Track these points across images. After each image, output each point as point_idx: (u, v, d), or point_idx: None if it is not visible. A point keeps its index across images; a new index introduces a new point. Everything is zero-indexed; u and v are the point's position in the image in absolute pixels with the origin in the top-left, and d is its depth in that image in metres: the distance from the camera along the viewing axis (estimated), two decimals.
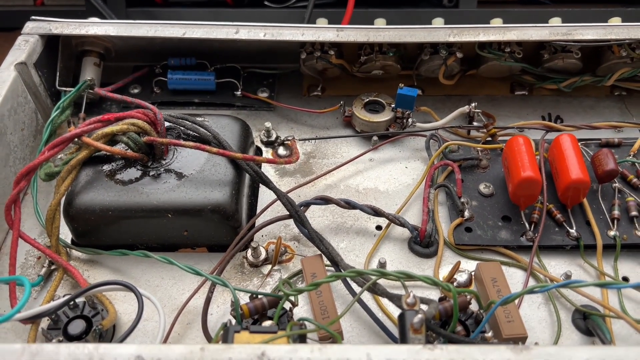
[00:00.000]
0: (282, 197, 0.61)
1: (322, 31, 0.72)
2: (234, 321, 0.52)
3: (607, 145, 0.70)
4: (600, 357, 0.41)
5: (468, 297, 0.53)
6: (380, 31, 0.72)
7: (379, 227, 0.65)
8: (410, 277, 0.51)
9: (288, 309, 0.54)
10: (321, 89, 0.81)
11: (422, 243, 0.62)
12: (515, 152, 0.63)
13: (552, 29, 0.71)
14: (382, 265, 0.61)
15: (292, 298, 0.54)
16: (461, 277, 0.59)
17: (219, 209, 0.59)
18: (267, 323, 0.51)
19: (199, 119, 0.65)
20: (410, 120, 0.73)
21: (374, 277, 0.53)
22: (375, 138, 0.73)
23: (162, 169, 0.61)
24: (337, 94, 0.81)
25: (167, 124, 0.64)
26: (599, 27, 0.71)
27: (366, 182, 0.70)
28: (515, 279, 0.60)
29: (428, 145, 0.72)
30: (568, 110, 0.78)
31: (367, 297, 0.59)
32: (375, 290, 0.54)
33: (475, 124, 0.74)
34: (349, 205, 0.63)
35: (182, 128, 0.64)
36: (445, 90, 0.81)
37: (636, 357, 0.41)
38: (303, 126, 0.77)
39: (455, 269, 0.58)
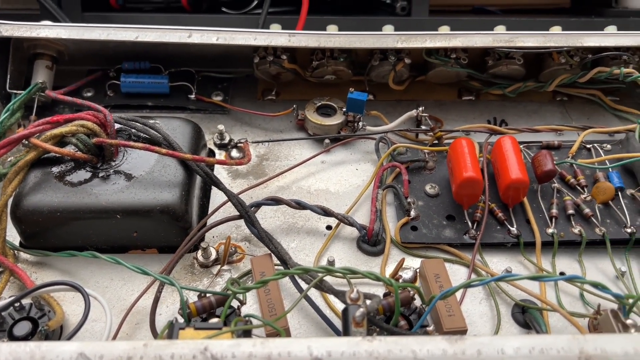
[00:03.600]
0: (232, 197, 0.62)
1: (274, 36, 0.74)
2: (181, 319, 0.52)
3: (548, 147, 0.74)
4: (530, 345, 0.43)
5: (411, 292, 0.55)
6: (331, 37, 0.74)
7: (329, 227, 0.67)
8: (354, 273, 0.53)
9: (236, 307, 0.55)
10: (275, 92, 0.83)
11: (370, 242, 0.64)
12: (458, 154, 0.65)
13: (496, 36, 0.75)
14: (331, 263, 0.62)
15: (240, 296, 0.55)
16: (406, 274, 0.61)
17: (168, 209, 0.59)
18: (214, 320, 0.52)
19: (150, 121, 0.65)
20: (360, 123, 0.75)
21: (320, 274, 0.54)
22: (327, 141, 0.75)
23: (112, 170, 0.61)
24: (292, 98, 0.82)
25: (117, 125, 0.64)
26: (539, 35, 0.75)
27: (318, 183, 0.72)
28: (458, 275, 0.62)
29: (377, 148, 0.74)
30: (512, 114, 0.82)
31: (316, 295, 0.60)
32: (322, 287, 0.56)
33: (423, 127, 0.77)
34: (300, 205, 0.64)
35: (133, 130, 0.65)
36: (396, 95, 0.83)
37: (563, 344, 0.44)
38: (257, 129, 0.78)
39: (400, 265, 0.60)
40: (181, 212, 0.60)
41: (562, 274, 0.63)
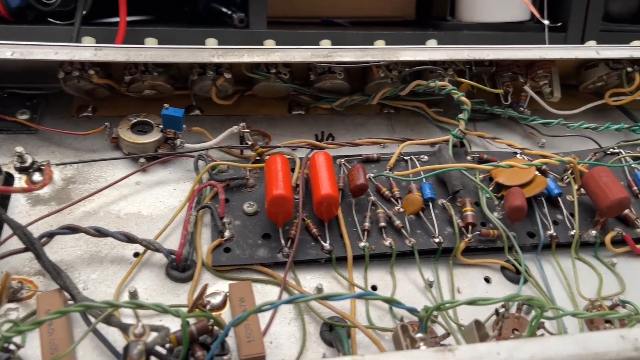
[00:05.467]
0: (16, 229, 0.56)
1: (78, 50, 0.69)
2: None
3: (367, 160, 0.74)
4: None
5: (211, 320, 0.52)
6: (142, 51, 0.70)
7: (136, 254, 0.63)
8: (140, 306, 0.49)
9: (14, 349, 0.50)
10: (92, 109, 0.77)
11: (179, 267, 0.61)
12: (270, 171, 0.64)
13: (314, 51, 0.74)
14: (133, 294, 0.58)
15: (17, 339, 0.50)
16: (215, 300, 0.59)
17: None
18: None
19: None
20: (179, 140, 0.72)
21: (105, 310, 0.50)
22: (142, 160, 0.71)
23: None
24: (111, 114, 0.77)
25: None
26: (357, 49, 0.76)
27: (129, 206, 0.67)
28: (271, 296, 0.61)
29: (196, 166, 0.71)
30: (340, 128, 0.82)
31: (114, 329, 0.55)
32: (110, 322, 0.52)
33: (249, 143, 0.75)
34: (100, 233, 0.60)
35: None
36: (225, 110, 0.81)
37: None
38: (67, 149, 0.73)
39: (202, 292, 0.57)
40: None
41: (374, 287, 0.63)
